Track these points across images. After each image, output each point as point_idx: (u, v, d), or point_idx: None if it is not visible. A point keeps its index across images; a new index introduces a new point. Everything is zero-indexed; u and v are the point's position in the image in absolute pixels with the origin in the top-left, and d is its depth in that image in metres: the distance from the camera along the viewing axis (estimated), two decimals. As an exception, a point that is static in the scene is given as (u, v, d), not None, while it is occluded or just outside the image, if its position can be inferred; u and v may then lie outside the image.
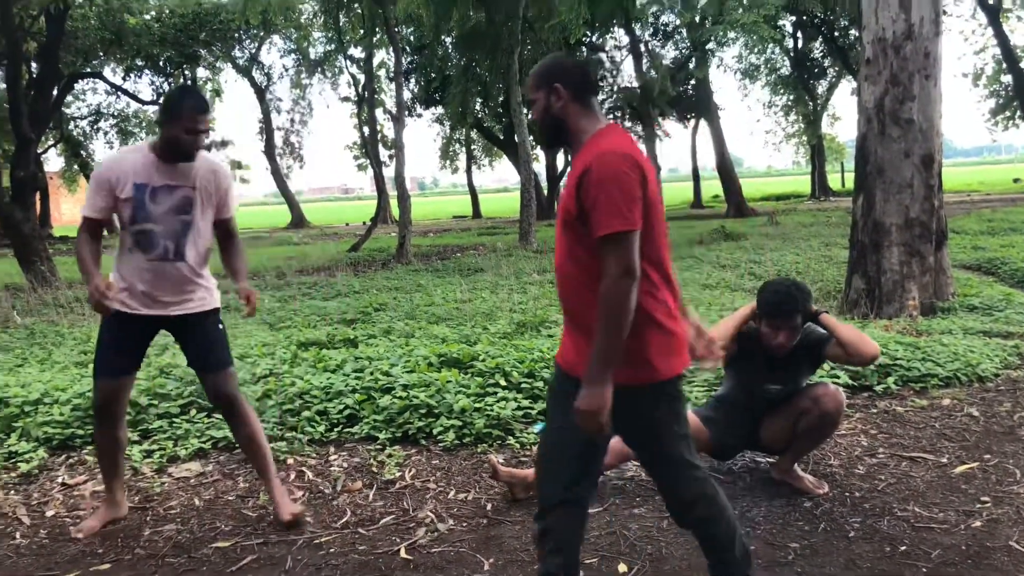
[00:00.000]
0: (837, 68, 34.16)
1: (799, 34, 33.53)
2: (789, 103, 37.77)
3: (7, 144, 25.52)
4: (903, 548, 2.87)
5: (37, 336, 7.72)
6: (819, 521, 3.10)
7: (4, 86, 19.68)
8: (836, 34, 30.63)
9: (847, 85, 35.03)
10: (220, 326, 3.32)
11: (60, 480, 3.79)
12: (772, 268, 10.79)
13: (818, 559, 2.81)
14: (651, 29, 23.16)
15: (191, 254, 3.16)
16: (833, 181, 43.60)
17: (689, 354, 2.26)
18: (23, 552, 3.11)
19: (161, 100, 3.00)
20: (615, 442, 3.43)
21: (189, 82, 32.29)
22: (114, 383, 3.22)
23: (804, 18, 30.25)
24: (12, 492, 3.69)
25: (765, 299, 3.24)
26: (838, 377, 4.51)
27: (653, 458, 2.27)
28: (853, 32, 28.94)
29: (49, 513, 3.46)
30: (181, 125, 3.00)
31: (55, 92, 17.68)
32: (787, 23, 31.06)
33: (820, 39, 32.80)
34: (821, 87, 36.74)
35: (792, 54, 33.91)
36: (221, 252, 3.39)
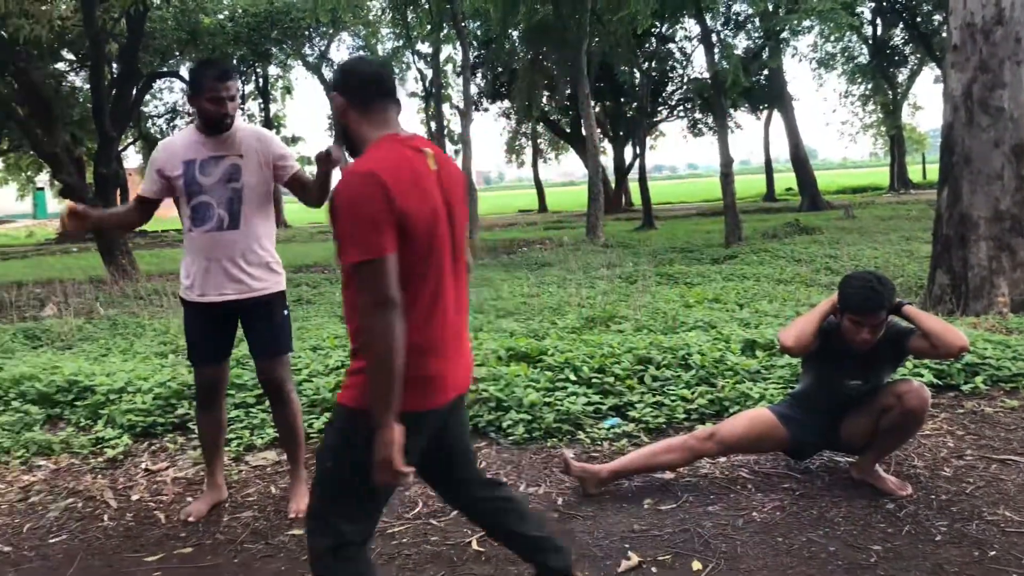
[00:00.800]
0: (919, 55, 32.89)
1: (878, 21, 32.37)
2: (867, 92, 36.51)
3: (90, 142, 26.63)
4: (992, 553, 2.74)
5: (119, 327, 8.02)
6: (903, 524, 2.99)
7: (88, 86, 20.53)
8: (919, 20, 29.44)
9: (929, 73, 33.82)
10: (285, 311, 3.37)
11: (144, 466, 3.93)
12: (849, 263, 10.47)
13: (902, 563, 2.71)
14: (722, 19, 22.73)
15: (246, 223, 3.20)
16: (914, 173, 42.12)
17: None
18: (111, 534, 3.23)
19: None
20: (682, 440, 3.39)
21: (261, 80, 33.09)
22: (207, 370, 3.33)
23: (884, 4, 29.19)
24: (100, 476, 3.84)
25: (848, 294, 3.12)
26: (922, 375, 4.33)
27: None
28: (937, 17, 27.81)
29: (134, 497, 3.59)
30: (205, 95, 3.09)
31: (135, 91, 18.29)
32: (865, 9, 30.02)
33: (901, 25, 31.59)
34: (901, 75, 35.45)
35: (871, 41, 32.77)
36: (306, 198, 3.33)
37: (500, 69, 28.95)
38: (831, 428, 3.34)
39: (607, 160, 34.79)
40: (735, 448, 3.40)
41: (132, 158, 39.75)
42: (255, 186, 3.22)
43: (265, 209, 3.27)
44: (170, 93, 39.75)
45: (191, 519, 3.29)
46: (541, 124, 35.38)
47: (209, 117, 3.12)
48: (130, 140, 33.46)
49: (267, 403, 4.43)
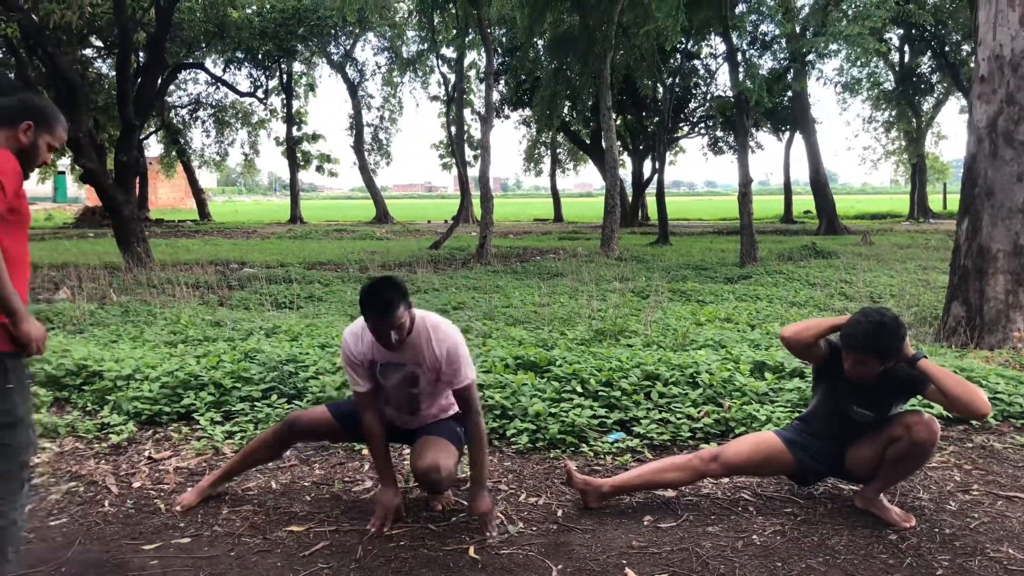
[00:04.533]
0: (946, 84, 32.72)
1: (906, 48, 32.25)
2: (891, 119, 36.34)
3: (112, 129, 26.86)
4: (996, 593, 2.70)
5: (131, 314, 8.07)
6: (904, 556, 2.95)
7: (114, 74, 20.71)
8: (947, 49, 29.30)
9: (955, 103, 33.61)
10: None
11: (147, 454, 3.94)
12: (864, 289, 10.40)
13: (903, 597, 2.68)
14: (749, 38, 22.71)
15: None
16: (934, 202, 41.82)
17: None
18: (110, 520, 3.24)
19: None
20: (686, 459, 3.36)
21: (285, 76, 33.22)
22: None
23: (913, 31, 29.05)
24: (103, 462, 3.86)
25: (849, 323, 3.10)
26: (932, 407, 4.29)
27: None
28: (966, 48, 27.68)
29: (136, 484, 3.60)
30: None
31: (159, 81, 18.44)
32: (894, 36, 29.94)
33: (929, 53, 31.44)
34: (927, 104, 35.26)
35: (898, 68, 32.64)
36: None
37: (523, 77, 28.98)
38: (837, 455, 3.31)
39: (625, 173, 34.83)
40: (739, 470, 3.37)
41: (153, 147, 40.08)
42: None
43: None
44: (194, 84, 40.02)
45: (178, 509, 3.31)
46: (561, 134, 35.40)
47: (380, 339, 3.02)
48: (152, 129, 33.69)
49: (273, 397, 4.44)
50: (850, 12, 17.20)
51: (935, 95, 34.73)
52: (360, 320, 3.11)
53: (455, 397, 3.21)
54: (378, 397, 3.21)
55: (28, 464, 2.44)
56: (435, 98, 38.54)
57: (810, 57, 18.83)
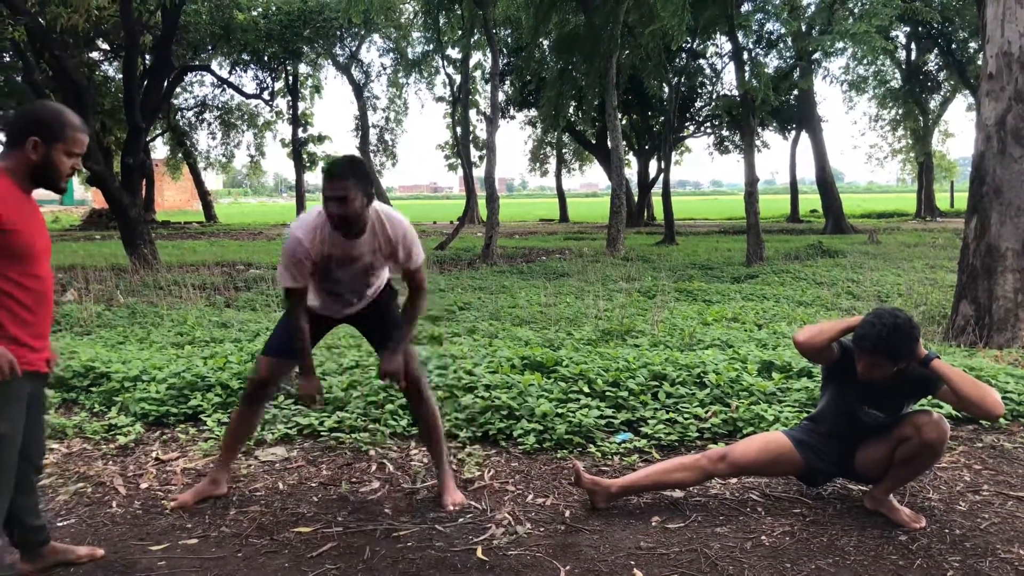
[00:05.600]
0: (953, 82, 32.56)
1: (913, 45, 32.11)
2: (898, 117, 36.21)
3: (119, 132, 26.92)
4: (1008, 594, 2.68)
5: (138, 316, 8.09)
6: (915, 556, 2.93)
7: (120, 76, 20.76)
8: (954, 46, 29.17)
9: (962, 100, 33.44)
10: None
11: (154, 455, 3.95)
12: (871, 288, 10.36)
13: (913, 598, 2.66)
14: (755, 37, 22.65)
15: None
16: (941, 200, 41.64)
17: None
18: (118, 521, 3.24)
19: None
20: (694, 459, 3.35)
21: (291, 77, 33.30)
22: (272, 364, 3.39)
23: (920, 29, 28.93)
24: (110, 463, 3.86)
25: (862, 325, 3.07)
26: (941, 407, 4.26)
27: None
28: (973, 45, 27.55)
29: (143, 485, 3.60)
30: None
31: (166, 84, 18.46)
32: (900, 34, 29.81)
33: (936, 51, 31.31)
34: (934, 101, 35.11)
35: (904, 66, 32.50)
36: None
37: (529, 77, 28.97)
38: (846, 456, 3.29)
39: (631, 173, 34.74)
40: (747, 470, 3.35)
41: (159, 149, 40.19)
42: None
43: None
44: (200, 87, 40.11)
45: (173, 507, 3.31)
46: (567, 134, 35.38)
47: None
48: (158, 131, 33.79)
49: (280, 398, 4.45)
50: (856, 10, 17.13)
51: (942, 93, 34.58)
52: (312, 215, 3.16)
53: (408, 277, 3.33)
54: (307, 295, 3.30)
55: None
56: (440, 99, 38.57)
57: (816, 55, 18.79)
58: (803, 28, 20.12)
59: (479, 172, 31.37)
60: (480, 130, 35.71)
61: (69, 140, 2.43)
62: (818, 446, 3.29)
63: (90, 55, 23.71)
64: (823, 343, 3.15)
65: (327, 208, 3.03)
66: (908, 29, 29.46)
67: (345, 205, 3.00)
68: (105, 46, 24.62)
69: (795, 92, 26.45)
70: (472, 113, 30.56)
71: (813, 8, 21.04)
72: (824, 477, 3.40)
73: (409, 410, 3.76)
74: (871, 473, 3.28)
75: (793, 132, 33.85)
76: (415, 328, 3.41)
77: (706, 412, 4.23)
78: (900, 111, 35.19)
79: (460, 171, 36.24)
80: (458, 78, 29.23)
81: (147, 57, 19.84)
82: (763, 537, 3.08)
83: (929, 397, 3.25)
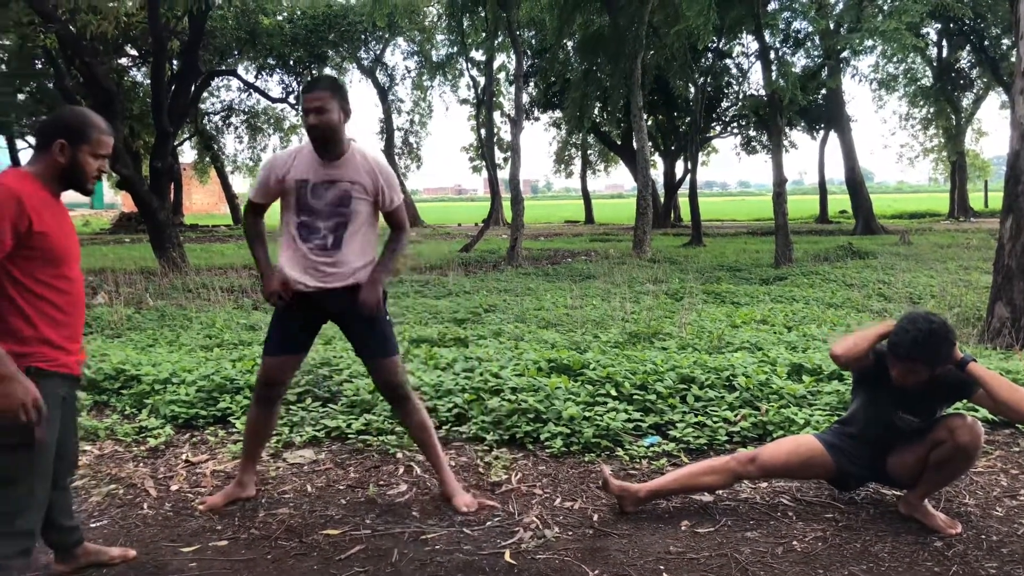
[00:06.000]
0: (986, 80, 32.01)
1: (944, 42, 31.61)
2: (929, 116, 35.64)
3: (147, 136, 27.29)
4: (1048, 603, 2.62)
5: (167, 318, 8.17)
6: (951, 563, 2.88)
7: (148, 82, 21.05)
8: (986, 43, 28.67)
9: (996, 98, 32.84)
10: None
11: (184, 457, 3.98)
12: (903, 290, 10.21)
13: (950, 606, 2.61)
14: (782, 36, 22.43)
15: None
16: (975, 200, 40.93)
17: None
18: (149, 523, 3.28)
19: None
20: (723, 461, 3.31)
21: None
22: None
23: (951, 25, 28.47)
24: (141, 465, 3.90)
25: (896, 331, 3.01)
26: (977, 410, 4.18)
27: None
28: (1006, 42, 27.05)
29: (174, 487, 3.63)
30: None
31: (193, 88, 18.68)
32: (931, 31, 29.34)
33: (968, 48, 30.78)
34: (966, 100, 34.49)
35: (935, 64, 32.00)
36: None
37: (553, 79, 28.93)
38: (879, 460, 3.24)
39: (657, 174, 34.58)
40: (777, 473, 3.31)
41: (187, 153, 40.65)
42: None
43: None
44: (227, 91, 40.52)
45: (202, 509, 3.34)
46: (591, 135, 35.29)
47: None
48: (186, 136, 34.19)
49: (308, 401, 4.47)
50: (886, 7, 16.91)
51: (975, 90, 33.96)
52: (298, 144, 3.28)
53: (388, 219, 3.39)
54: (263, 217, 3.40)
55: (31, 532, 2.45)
56: (465, 101, 38.58)
57: (845, 54, 18.57)
58: (831, 26, 19.91)
59: (504, 174, 31.42)
60: (504, 132, 35.73)
61: (94, 142, 2.48)
62: (849, 450, 3.24)
63: (119, 61, 24.07)
64: (861, 353, 3.10)
65: (305, 121, 3.12)
66: (939, 26, 28.98)
67: (322, 115, 3.08)
68: (134, 52, 24.98)
69: (823, 91, 26.17)
70: (496, 115, 30.62)
71: (841, 6, 20.83)
72: (856, 481, 3.35)
73: (398, 421, 3.71)
74: (904, 478, 3.22)
75: (821, 132, 33.49)
76: (395, 261, 3.43)
77: (735, 415, 4.19)
78: (931, 109, 34.61)
79: (484, 173, 36.31)
80: (482, 80, 29.29)
81: (174, 62, 20.11)
82: (795, 542, 3.04)
83: (964, 401, 3.19)
